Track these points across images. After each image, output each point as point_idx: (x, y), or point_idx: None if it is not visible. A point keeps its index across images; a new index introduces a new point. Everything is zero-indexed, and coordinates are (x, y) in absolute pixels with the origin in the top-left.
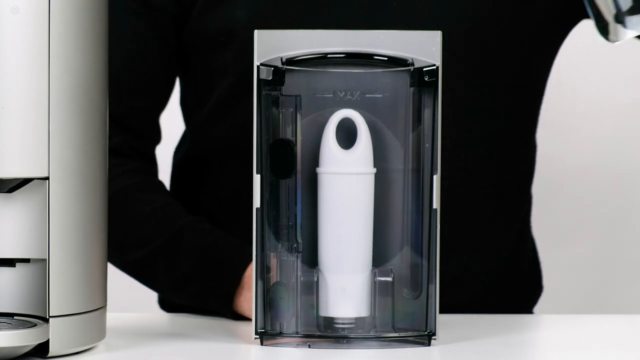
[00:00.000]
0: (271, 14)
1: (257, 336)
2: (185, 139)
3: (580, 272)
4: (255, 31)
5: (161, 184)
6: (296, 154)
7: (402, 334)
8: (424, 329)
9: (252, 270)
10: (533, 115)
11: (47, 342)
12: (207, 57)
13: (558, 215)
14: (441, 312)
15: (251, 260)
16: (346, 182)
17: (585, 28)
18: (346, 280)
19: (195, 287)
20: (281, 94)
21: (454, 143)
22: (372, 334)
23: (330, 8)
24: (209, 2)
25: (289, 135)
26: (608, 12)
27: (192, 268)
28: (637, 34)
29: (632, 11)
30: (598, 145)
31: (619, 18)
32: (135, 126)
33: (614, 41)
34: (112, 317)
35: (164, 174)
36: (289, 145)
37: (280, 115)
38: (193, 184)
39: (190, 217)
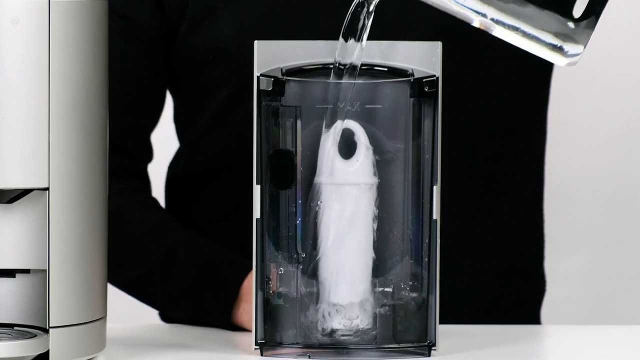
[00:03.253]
0: (258, 30)
1: (257, 347)
2: (180, 155)
3: (582, 282)
4: (255, 42)
5: (155, 200)
6: (296, 164)
7: (402, 345)
8: (424, 340)
9: (249, 282)
10: (540, 127)
11: (47, 352)
12: (196, 74)
13: (559, 225)
14: (441, 322)
15: (248, 272)
16: (346, 193)
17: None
18: (346, 291)
19: (193, 301)
20: (281, 105)
21: (456, 152)
22: (372, 344)
23: (319, 21)
24: (196, 20)
25: (289, 145)
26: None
27: (189, 283)
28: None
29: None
30: (599, 155)
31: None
32: (125, 146)
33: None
34: (112, 327)
35: (159, 188)
36: (289, 156)
37: (280, 126)
38: (188, 199)
39: (186, 232)
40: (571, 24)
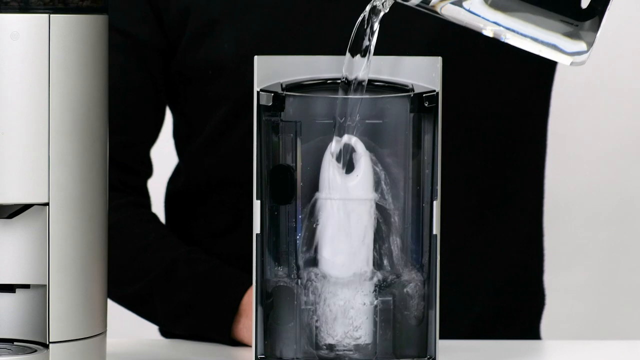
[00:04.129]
0: (258, 46)
1: None
2: (179, 170)
3: (582, 297)
4: (255, 57)
5: (154, 216)
6: (296, 179)
7: None
8: (424, 355)
9: (249, 297)
10: (540, 140)
11: None
12: (196, 89)
13: (559, 239)
14: (441, 337)
15: (248, 287)
16: (346, 208)
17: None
18: (347, 306)
19: (193, 317)
20: (281, 120)
21: (456, 166)
22: (372, 359)
23: (319, 37)
24: (196, 36)
25: (288, 161)
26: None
27: (188, 298)
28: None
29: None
30: (599, 170)
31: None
32: (125, 161)
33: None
34: (112, 342)
35: (159, 203)
36: (289, 171)
37: (280, 141)
38: (187, 214)
39: (185, 247)
40: (575, 24)
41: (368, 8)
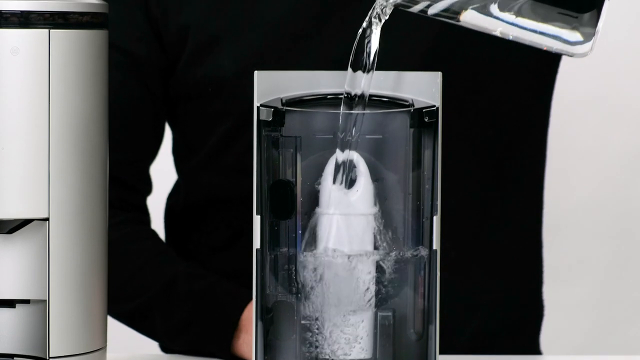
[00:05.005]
0: (258, 63)
1: None
2: (178, 186)
3: (582, 312)
4: (255, 72)
5: (154, 232)
6: (296, 195)
7: None
8: None
9: (249, 312)
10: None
11: None
12: (196, 106)
13: (560, 254)
14: (441, 352)
15: (247, 303)
16: (347, 223)
17: (585, 68)
18: (347, 321)
19: (193, 333)
20: (281, 135)
21: (454, 180)
22: None
23: (319, 54)
24: (196, 53)
25: (288, 175)
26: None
27: (188, 314)
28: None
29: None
30: (599, 184)
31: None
32: (124, 178)
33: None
34: (112, 358)
35: (158, 219)
36: (289, 187)
37: (280, 156)
38: (187, 229)
39: (185, 263)
40: (575, 16)
41: (368, 17)
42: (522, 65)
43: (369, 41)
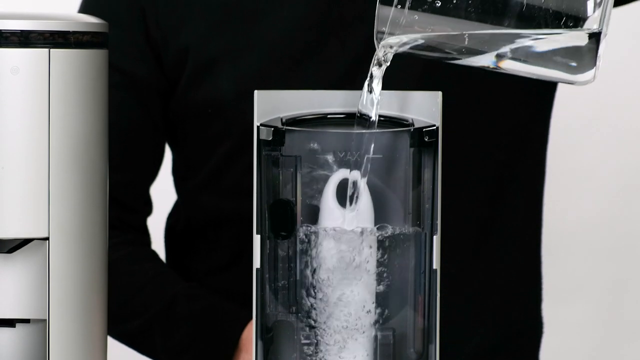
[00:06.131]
0: (257, 84)
1: None
2: (178, 206)
3: (582, 331)
4: (255, 92)
5: (154, 253)
6: (296, 214)
7: None
8: None
9: (249, 332)
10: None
11: None
12: (196, 128)
13: (559, 274)
14: None
15: (247, 323)
16: (346, 242)
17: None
18: (347, 341)
19: (193, 353)
20: (281, 155)
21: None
22: None
23: (318, 75)
24: (195, 75)
25: (289, 195)
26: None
27: (188, 334)
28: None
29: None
30: (599, 205)
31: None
32: (124, 199)
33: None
34: None
35: (158, 238)
36: (289, 206)
37: (280, 175)
38: (187, 249)
39: (184, 283)
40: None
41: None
42: (521, 83)
43: (371, 90)
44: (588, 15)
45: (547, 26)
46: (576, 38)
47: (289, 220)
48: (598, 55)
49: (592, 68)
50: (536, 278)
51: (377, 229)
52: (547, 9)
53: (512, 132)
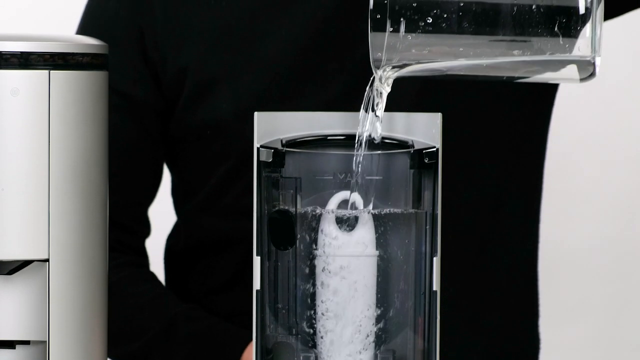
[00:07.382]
0: (256, 105)
1: None
2: (178, 227)
3: (580, 352)
4: (255, 113)
5: (153, 275)
6: (296, 226)
7: None
8: None
9: (249, 353)
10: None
11: None
12: (195, 149)
13: (558, 295)
14: None
15: (247, 343)
16: (347, 265)
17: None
18: None
19: None
20: (281, 176)
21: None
22: None
23: (316, 95)
24: (194, 96)
25: None
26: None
27: (188, 356)
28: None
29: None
30: (597, 226)
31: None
32: (123, 221)
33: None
34: None
35: (158, 259)
36: (289, 216)
37: (280, 197)
38: (186, 271)
39: (184, 305)
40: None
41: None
42: (518, 101)
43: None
44: (579, 6)
45: (541, 27)
46: (572, 66)
47: (289, 231)
48: (596, 64)
49: (592, 71)
50: (533, 294)
51: (378, 250)
52: (539, 7)
53: (509, 152)
